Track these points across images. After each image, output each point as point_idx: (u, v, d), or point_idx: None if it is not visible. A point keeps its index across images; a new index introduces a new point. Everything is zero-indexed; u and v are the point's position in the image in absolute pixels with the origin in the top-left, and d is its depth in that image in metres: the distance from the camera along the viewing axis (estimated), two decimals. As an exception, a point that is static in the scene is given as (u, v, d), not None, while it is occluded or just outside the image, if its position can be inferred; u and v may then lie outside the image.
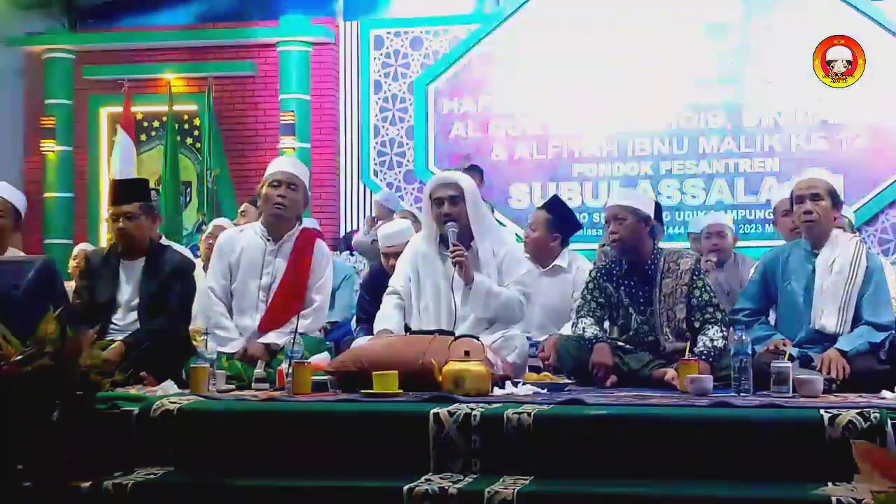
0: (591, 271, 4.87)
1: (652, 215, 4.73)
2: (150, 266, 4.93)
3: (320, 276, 4.90)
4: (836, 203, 4.62)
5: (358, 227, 9.76)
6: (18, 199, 5.31)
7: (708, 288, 4.66)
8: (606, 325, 4.75)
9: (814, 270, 4.55)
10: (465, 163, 9.09)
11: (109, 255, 5.02)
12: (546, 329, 5.33)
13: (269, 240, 4.89)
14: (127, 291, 4.91)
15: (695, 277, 4.63)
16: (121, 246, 4.97)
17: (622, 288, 4.71)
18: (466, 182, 4.74)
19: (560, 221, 5.49)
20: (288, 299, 4.82)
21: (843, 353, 4.29)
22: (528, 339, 4.96)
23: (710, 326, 4.55)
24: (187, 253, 5.94)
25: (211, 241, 6.45)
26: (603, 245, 6.49)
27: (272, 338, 4.73)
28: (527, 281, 4.78)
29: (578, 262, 5.51)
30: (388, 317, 4.73)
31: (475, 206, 4.70)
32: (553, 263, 5.44)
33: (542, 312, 5.35)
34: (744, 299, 4.81)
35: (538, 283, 5.26)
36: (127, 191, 5.05)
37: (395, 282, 4.84)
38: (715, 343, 4.47)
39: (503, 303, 4.63)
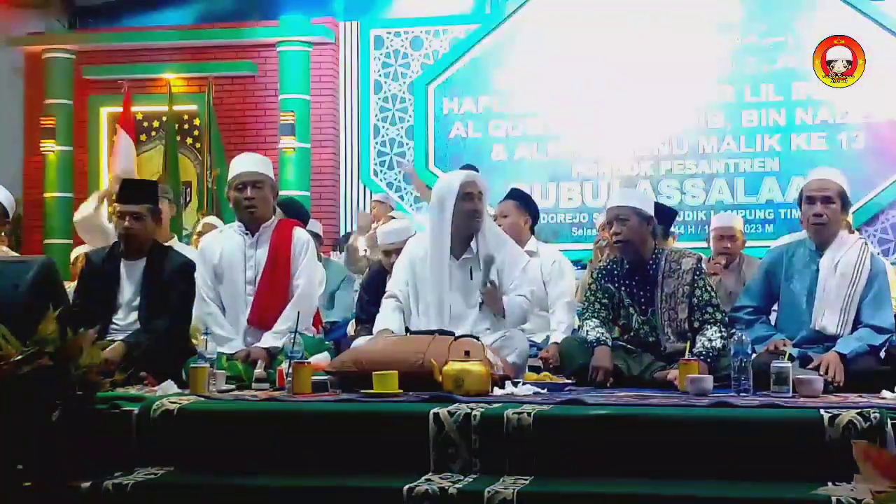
0: (592, 272, 4.89)
1: (653, 215, 4.73)
2: (152, 266, 4.94)
3: (301, 261, 4.94)
4: (846, 206, 4.61)
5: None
6: (6, 198, 5.30)
7: (709, 288, 4.65)
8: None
9: (817, 270, 4.54)
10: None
11: (111, 254, 5.02)
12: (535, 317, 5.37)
13: (246, 234, 4.95)
14: (128, 291, 4.92)
15: (696, 277, 4.63)
16: (124, 246, 4.98)
17: (623, 288, 4.71)
18: (484, 185, 4.87)
19: (526, 205, 5.65)
20: (272, 287, 4.87)
21: (841, 356, 4.28)
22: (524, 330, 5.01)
23: (708, 327, 4.55)
24: (189, 253, 5.94)
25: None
26: (597, 243, 6.50)
27: (271, 340, 4.74)
28: (532, 277, 4.88)
29: (542, 247, 5.64)
30: (387, 318, 4.74)
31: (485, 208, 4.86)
32: (525, 249, 5.47)
33: None
34: (746, 297, 4.80)
35: None
36: (136, 191, 5.06)
37: (392, 286, 4.86)
38: (713, 343, 4.47)
39: (521, 314, 4.79)
